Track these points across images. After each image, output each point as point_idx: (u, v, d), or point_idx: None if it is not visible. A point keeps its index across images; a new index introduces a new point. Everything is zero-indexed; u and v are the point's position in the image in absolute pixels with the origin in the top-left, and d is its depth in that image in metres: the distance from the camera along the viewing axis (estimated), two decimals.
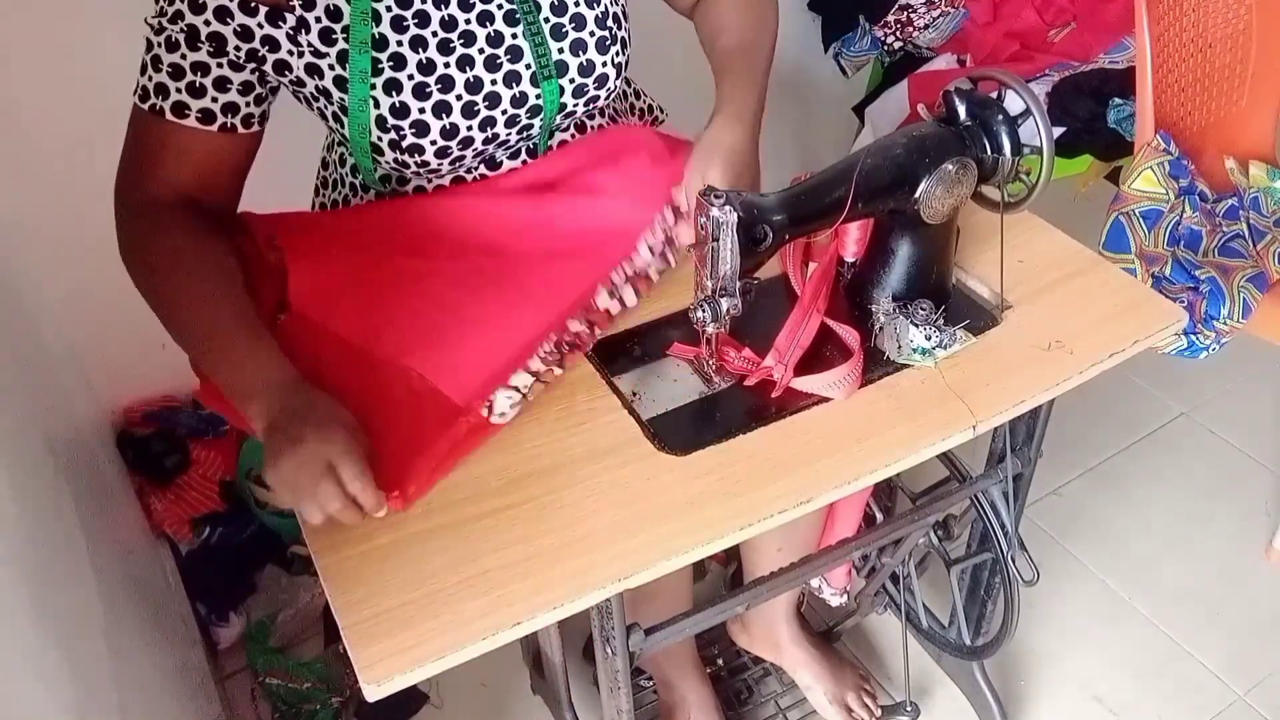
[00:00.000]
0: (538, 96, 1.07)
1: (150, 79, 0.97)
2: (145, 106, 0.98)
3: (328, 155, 1.19)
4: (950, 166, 0.98)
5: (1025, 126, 1.00)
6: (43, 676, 0.87)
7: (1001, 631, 1.35)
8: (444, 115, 1.03)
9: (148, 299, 0.99)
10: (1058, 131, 1.85)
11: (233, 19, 0.95)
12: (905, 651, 1.44)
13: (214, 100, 0.98)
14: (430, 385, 0.96)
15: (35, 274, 1.13)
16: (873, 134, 2.11)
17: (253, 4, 0.95)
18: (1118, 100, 1.85)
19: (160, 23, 0.96)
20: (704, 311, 0.93)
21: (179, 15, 0.95)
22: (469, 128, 1.05)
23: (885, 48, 2.12)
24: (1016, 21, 2.05)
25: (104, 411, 1.76)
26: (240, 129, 1.00)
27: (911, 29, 2.07)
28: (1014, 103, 0.99)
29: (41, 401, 1.38)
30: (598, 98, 1.11)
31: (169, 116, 0.97)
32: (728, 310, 0.93)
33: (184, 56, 0.96)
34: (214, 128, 0.99)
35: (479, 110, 1.04)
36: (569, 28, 1.06)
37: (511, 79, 1.05)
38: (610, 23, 1.08)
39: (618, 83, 1.11)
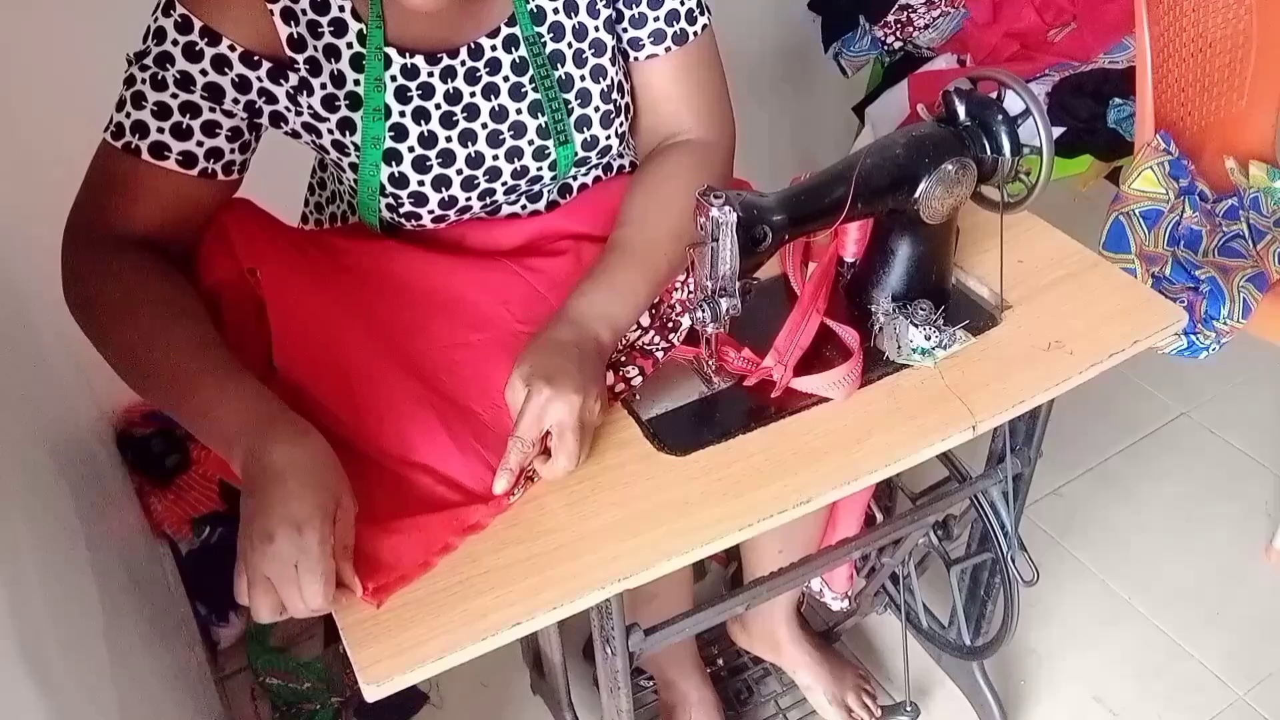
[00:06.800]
0: (539, 169, 1.05)
1: (128, 116, 0.92)
2: (118, 144, 0.92)
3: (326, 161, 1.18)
4: (950, 166, 0.98)
5: (1025, 126, 1.00)
6: (42, 677, 0.86)
7: (1001, 631, 1.35)
8: (443, 189, 1.02)
9: (98, 342, 0.92)
10: (1058, 131, 1.85)
11: (231, 69, 0.92)
12: (905, 651, 1.44)
13: (199, 144, 0.93)
14: (435, 473, 0.90)
15: (35, 275, 1.13)
16: (873, 134, 2.11)
17: (255, 57, 0.92)
18: (1118, 100, 1.85)
19: (146, 61, 0.91)
20: (704, 311, 0.93)
21: (168, 58, 0.90)
22: (467, 198, 1.03)
23: (885, 48, 2.12)
24: (1016, 21, 2.05)
25: (104, 411, 1.76)
26: (220, 175, 0.96)
27: (911, 29, 2.07)
28: (1014, 103, 0.99)
29: (41, 402, 1.38)
30: (599, 165, 1.11)
31: (145, 156, 0.92)
32: (727, 310, 0.93)
33: (174, 96, 0.91)
34: (194, 172, 0.94)
35: (479, 184, 1.03)
36: (575, 104, 1.04)
37: (513, 154, 1.03)
38: (615, 94, 1.06)
39: (622, 148, 1.10)
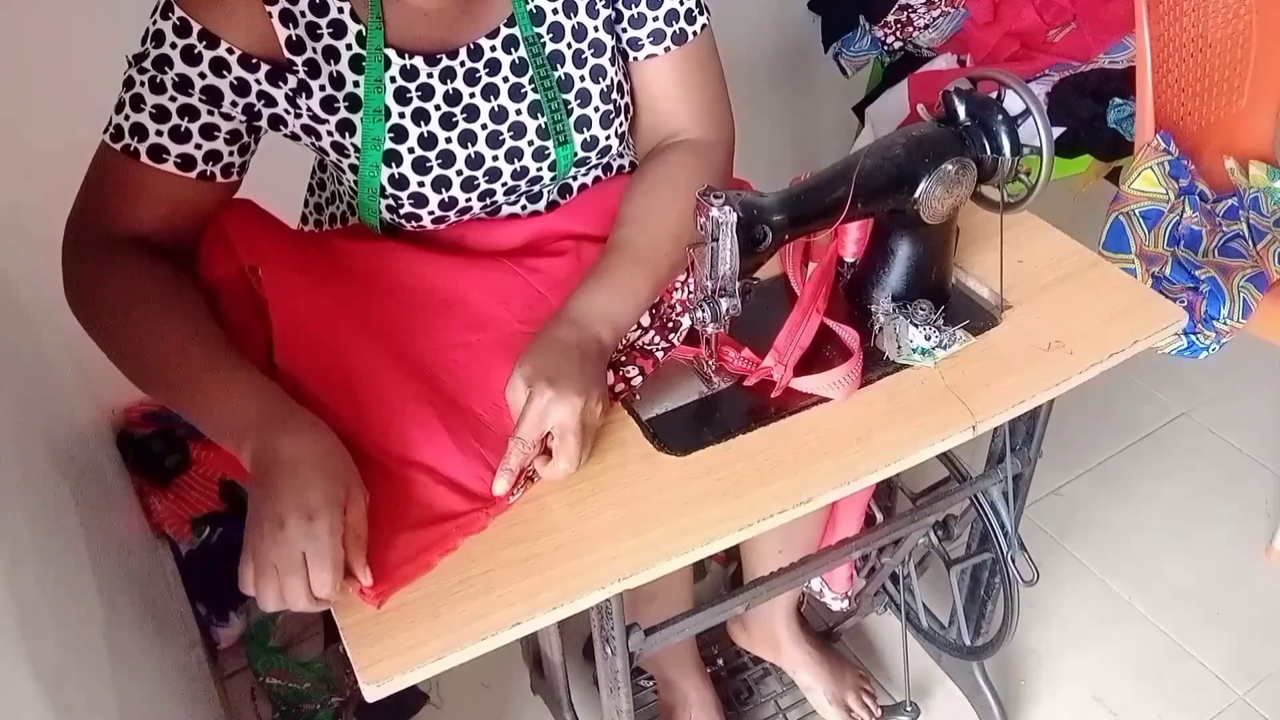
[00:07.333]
0: (538, 169, 1.05)
1: (127, 118, 0.92)
2: (117, 146, 0.92)
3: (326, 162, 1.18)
4: (950, 166, 0.98)
5: (1025, 126, 1.00)
6: (42, 677, 0.86)
7: (1001, 631, 1.35)
8: (443, 189, 1.01)
9: (101, 338, 0.92)
10: (1058, 131, 1.85)
11: (230, 71, 0.92)
12: (905, 651, 1.44)
13: (197, 147, 0.93)
14: (433, 472, 0.90)
15: (35, 276, 1.14)
16: (873, 134, 2.11)
17: (253, 60, 0.92)
18: (1118, 100, 1.85)
19: (145, 64, 0.91)
20: (704, 312, 0.93)
21: (166, 61, 0.90)
22: (467, 199, 1.03)
23: (885, 48, 2.12)
24: (1016, 21, 2.05)
25: (104, 411, 1.76)
26: (219, 178, 0.96)
27: (911, 29, 2.07)
28: (1014, 103, 0.99)
29: (41, 402, 1.38)
30: (599, 165, 1.11)
31: (144, 159, 0.92)
32: (727, 310, 0.93)
33: (172, 99, 0.91)
34: (192, 174, 0.94)
35: (478, 184, 1.03)
36: (575, 104, 1.04)
37: (513, 155, 1.03)
38: (615, 94, 1.06)
39: (622, 148, 1.10)
